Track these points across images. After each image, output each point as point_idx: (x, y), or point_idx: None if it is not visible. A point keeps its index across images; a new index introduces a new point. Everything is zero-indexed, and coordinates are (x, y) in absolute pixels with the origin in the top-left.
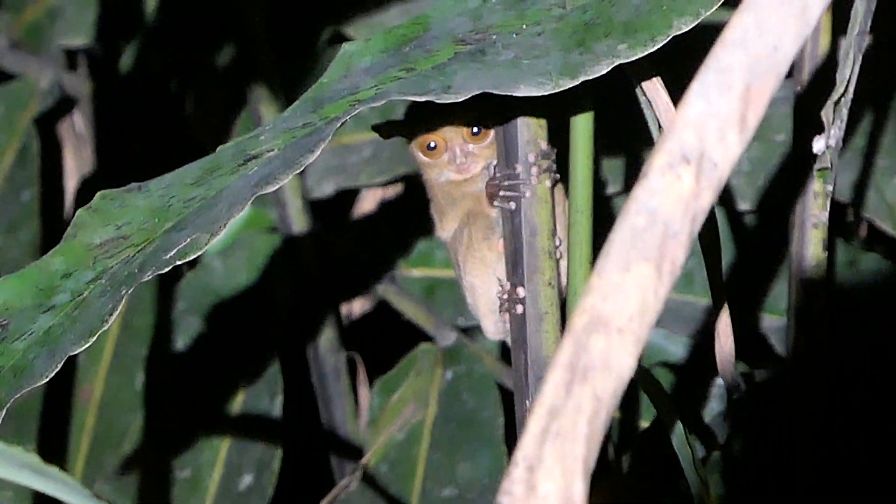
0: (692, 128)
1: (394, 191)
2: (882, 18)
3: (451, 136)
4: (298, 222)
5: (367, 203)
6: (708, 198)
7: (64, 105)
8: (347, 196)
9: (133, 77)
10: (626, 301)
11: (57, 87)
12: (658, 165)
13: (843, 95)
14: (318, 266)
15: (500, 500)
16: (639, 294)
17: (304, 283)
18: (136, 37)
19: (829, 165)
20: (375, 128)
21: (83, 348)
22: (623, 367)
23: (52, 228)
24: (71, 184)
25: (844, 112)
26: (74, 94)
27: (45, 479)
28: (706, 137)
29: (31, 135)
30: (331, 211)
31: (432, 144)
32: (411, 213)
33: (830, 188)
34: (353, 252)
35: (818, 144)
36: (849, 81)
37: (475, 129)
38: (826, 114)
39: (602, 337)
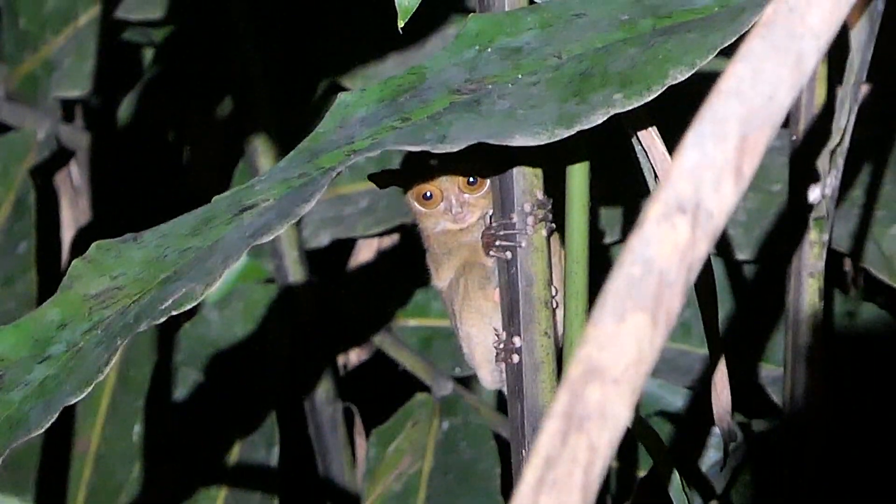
0: (688, 178)
1: (390, 241)
2: (879, 68)
3: (447, 186)
4: (295, 273)
5: (364, 253)
6: (704, 247)
7: (60, 156)
8: (344, 247)
9: (130, 128)
10: (622, 351)
11: (53, 139)
12: (654, 215)
13: (838, 145)
14: (314, 317)
15: None
16: (634, 344)
17: (300, 333)
18: (133, 88)
19: (826, 214)
20: (372, 177)
21: (79, 399)
22: (619, 416)
23: (49, 280)
24: (67, 235)
25: (840, 161)
26: (71, 146)
27: None
28: (702, 187)
29: (27, 186)
30: (327, 262)
31: (428, 194)
32: (408, 263)
33: (826, 237)
34: (350, 303)
35: (814, 193)
36: (844, 131)
37: (471, 179)
38: (822, 163)
39: (598, 387)
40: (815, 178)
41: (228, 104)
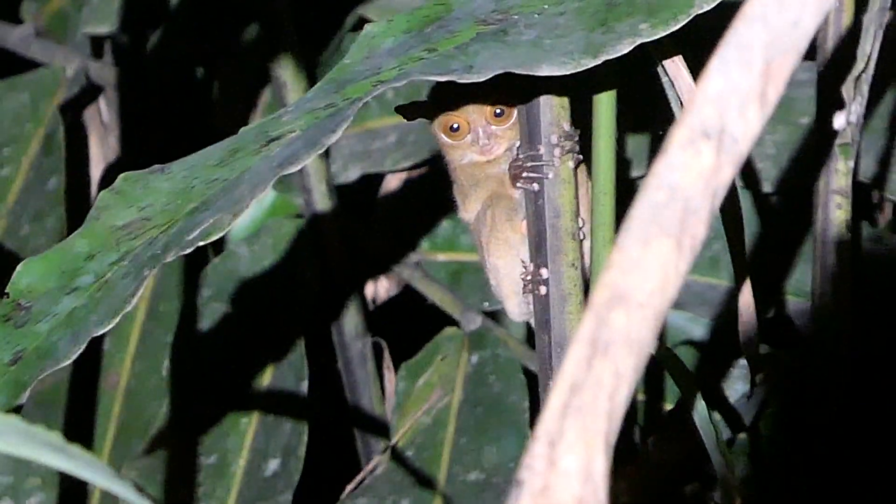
0: (712, 103)
1: (418, 173)
2: None
3: (475, 118)
4: (324, 207)
5: (393, 188)
6: (728, 173)
7: (89, 93)
8: (373, 181)
9: (158, 64)
10: (647, 276)
11: (82, 75)
12: (678, 141)
13: (863, 71)
14: (343, 251)
15: (522, 474)
16: (659, 269)
17: (329, 268)
18: (160, 24)
19: (851, 141)
20: (399, 109)
21: (107, 329)
22: (644, 342)
23: (78, 216)
24: (96, 172)
25: (865, 88)
26: (100, 82)
27: (68, 458)
28: (726, 113)
29: (56, 122)
30: (356, 196)
31: (454, 126)
32: (436, 195)
33: (852, 165)
34: (378, 235)
35: (839, 120)
36: (869, 57)
37: (498, 111)
38: (847, 90)
39: (623, 312)
40: (840, 105)
41: (255, 38)
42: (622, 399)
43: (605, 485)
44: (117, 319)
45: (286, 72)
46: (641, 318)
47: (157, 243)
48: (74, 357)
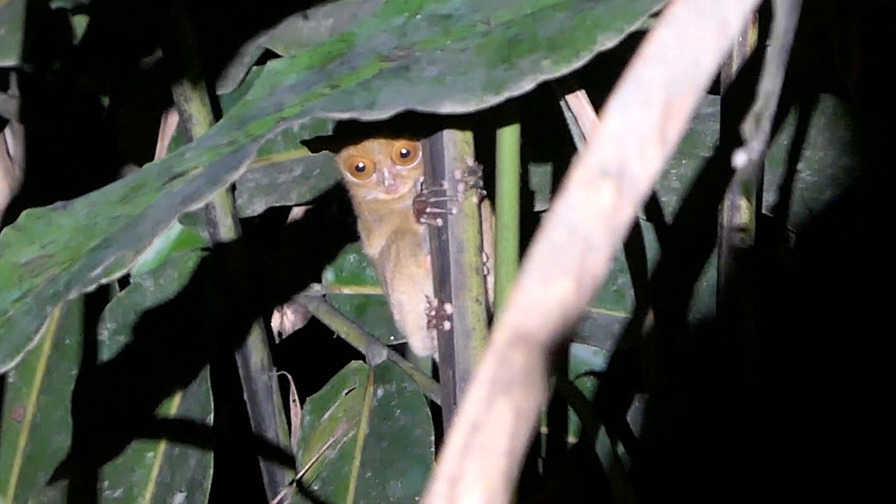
0: (612, 142)
1: (324, 208)
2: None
3: (380, 158)
4: (229, 240)
5: (298, 220)
6: (628, 212)
7: None
8: (278, 214)
9: (63, 95)
10: (547, 316)
11: None
12: (578, 180)
13: (764, 109)
14: (249, 284)
15: None
16: (559, 308)
17: (235, 300)
18: (66, 56)
19: (751, 178)
20: (305, 143)
21: (10, 367)
22: (544, 380)
23: None
24: (1, 203)
25: (767, 125)
26: (5, 115)
27: None
28: (626, 152)
29: None
30: (262, 229)
31: (361, 166)
32: (341, 229)
33: (754, 201)
34: (283, 269)
35: (740, 158)
36: (770, 95)
37: (404, 150)
38: (748, 127)
39: (523, 351)
40: (740, 142)
41: (160, 68)
42: (523, 438)
43: None
44: (21, 357)
45: (192, 104)
46: (541, 357)
47: (59, 280)
48: None
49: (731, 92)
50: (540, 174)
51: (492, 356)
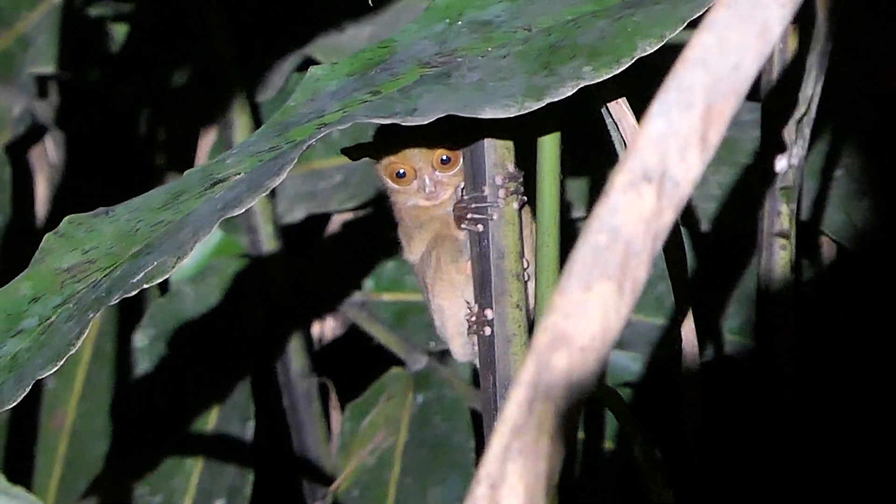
0: (653, 146)
1: (364, 215)
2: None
3: (421, 165)
4: (269, 248)
5: (338, 227)
6: (670, 216)
7: (35, 132)
8: (318, 221)
9: (104, 104)
10: (588, 320)
11: (28, 115)
12: (620, 184)
13: (805, 114)
14: (289, 291)
15: None
16: (601, 313)
17: (275, 308)
18: (106, 64)
19: (793, 184)
20: (345, 151)
21: (51, 373)
22: (585, 384)
23: (24, 256)
24: (42, 211)
25: (807, 131)
26: (45, 122)
27: (10, 500)
28: (667, 156)
29: (2, 162)
30: (302, 236)
31: (401, 172)
32: (381, 236)
33: (794, 207)
34: (323, 276)
35: (780, 163)
36: (811, 100)
37: (444, 157)
38: (789, 133)
39: (564, 355)
40: (782, 148)
41: (200, 77)
42: (563, 441)
43: None
44: (62, 363)
45: (232, 112)
46: (583, 361)
47: (100, 286)
48: (18, 400)
49: (772, 98)
50: (576, 185)
51: (532, 360)
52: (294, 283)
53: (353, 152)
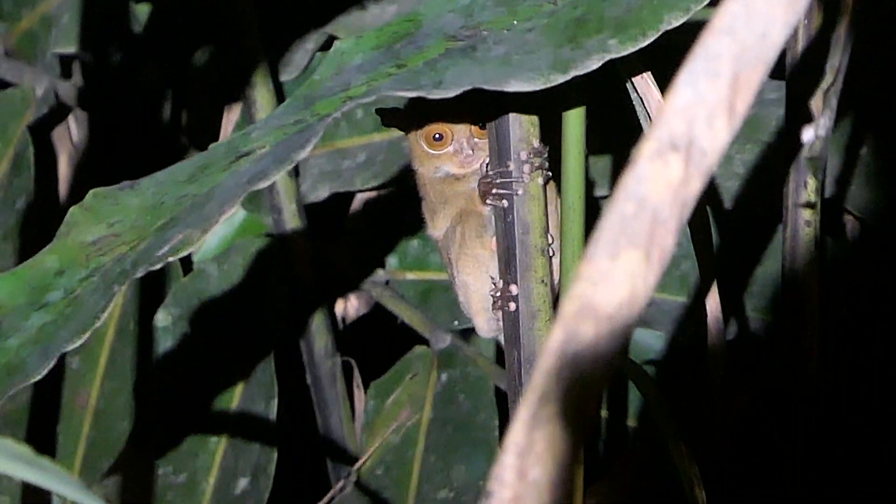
0: (681, 115)
1: (388, 193)
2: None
3: (460, 129)
4: (293, 227)
5: (361, 206)
6: (697, 185)
7: (58, 113)
8: (342, 200)
9: (126, 84)
10: (615, 288)
11: (52, 95)
12: (647, 153)
13: (832, 85)
14: (313, 270)
15: (491, 486)
16: (628, 281)
17: (299, 287)
18: (130, 43)
19: (819, 155)
20: (380, 112)
21: (76, 345)
22: (612, 353)
23: (47, 235)
24: (65, 191)
25: (834, 101)
26: (69, 102)
27: (37, 471)
28: (695, 125)
29: (26, 142)
30: (326, 215)
31: (438, 135)
32: (405, 215)
33: (821, 178)
34: (347, 255)
35: (808, 133)
36: (838, 70)
37: (482, 123)
38: (816, 103)
39: (591, 324)
40: (808, 119)
41: (223, 56)
42: (591, 410)
43: (574, 495)
44: (87, 335)
45: (255, 91)
46: (610, 330)
47: (126, 259)
48: (45, 372)
49: (798, 70)
50: (599, 164)
51: (560, 328)
52: (318, 262)
53: (387, 116)
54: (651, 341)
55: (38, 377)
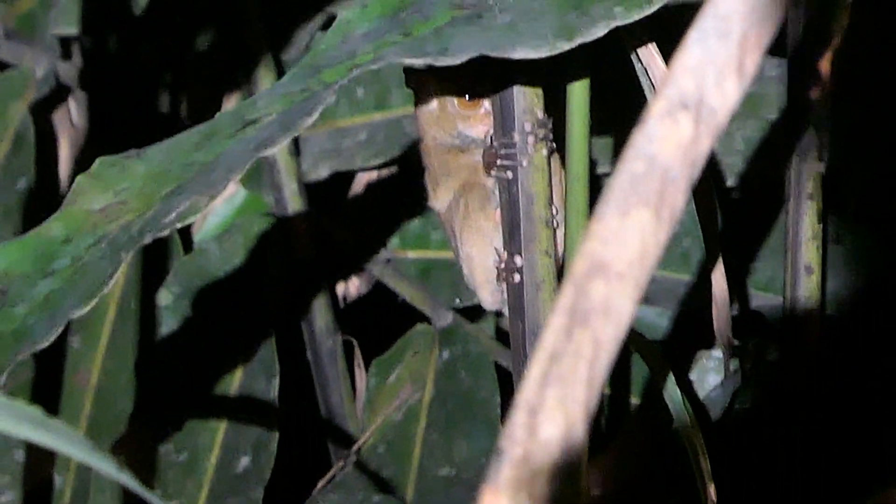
0: (690, 74)
1: (387, 173)
2: None
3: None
4: (294, 205)
5: (363, 186)
6: (706, 144)
7: (59, 94)
8: (343, 180)
9: (128, 65)
10: (626, 246)
11: (52, 76)
12: (657, 111)
13: (839, 46)
14: (314, 249)
15: (502, 444)
16: (638, 239)
17: (299, 266)
18: (129, 24)
19: (824, 116)
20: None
21: (84, 311)
22: (623, 311)
23: (48, 216)
24: (66, 172)
25: (840, 63)
26: (69, 83)
27: (48, 432)
28: (704, 84)
29: (26, 123)
30: (326, 194)
31: (473, 94)
32: (407, 194)
33: (827, 141)
34: (348, 234)
35: (814, 94)
36: (847, 29)
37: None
38: (822, 65)
39: (602, 282)
40: (815, 78)
41: (224, 37)
42: (602, 368)
43: (585, 453)
44: (95, 301)
45: (257, 71)
46: (621, 288)
47: (133, 226)
48: (52, 339)
49: (802, 34)
50: (604, 143)
51: (570, 286)
52: (319, 241)
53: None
54: (652, 318)
55: (46, 343)
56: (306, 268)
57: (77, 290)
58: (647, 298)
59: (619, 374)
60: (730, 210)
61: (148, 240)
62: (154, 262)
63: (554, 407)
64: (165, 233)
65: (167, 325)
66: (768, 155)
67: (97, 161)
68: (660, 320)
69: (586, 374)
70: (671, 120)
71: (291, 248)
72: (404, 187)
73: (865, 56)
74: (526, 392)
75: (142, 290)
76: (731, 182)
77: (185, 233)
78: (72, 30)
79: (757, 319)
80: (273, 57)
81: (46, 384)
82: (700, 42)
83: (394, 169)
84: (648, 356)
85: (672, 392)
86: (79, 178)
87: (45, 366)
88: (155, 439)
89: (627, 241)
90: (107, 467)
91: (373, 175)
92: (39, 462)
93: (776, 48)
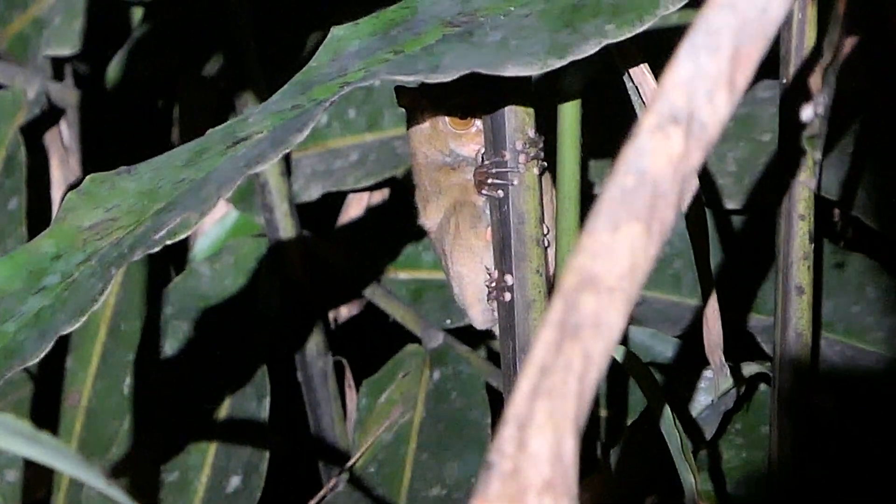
0: (681, 89)
1: (380, 196)
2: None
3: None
4: (286, 227)
5: (354, 208)
6: (697, 158)
7: (50, 115)
8: (334, 201)
9: (119, 87)
10: (616, 260)
11: (44, 97)
12: (647, 126)
13: (831, 63)
14: (305, 270)
15: (492, 457)
16: (628, 253)
17: (291, 287)
18: (122, 46)
19: (819, 133)
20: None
21: (74, 328)
22: (613, 325)
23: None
24: (57, 193)
25: (832, 79)
26: (61, 105)
27: (37, 447)
28: (695, 98)
29: (17, 144)
30: (318, 216)
31: (465, 113)
32: (398, 217)
33: (819, 157)
34: (340, 256)
35: (806, 112)
36: (838, 47)
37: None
38: (814, 81)
39: (592, 295)
40: (807, 97)
41: (218, 62)
42: (592, 382)
43: (575, 467)
44: (84, 318)
45: (249, 95)
46: (611, 302)
47: (123, 243)
48: (42, 355)
49: (794, 55)
50: (599, 164)
51: (560, 299)
52: (311, 262)
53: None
54: (644, 339)
55: (35, 360)
56: (298, 289)
57: (67, 307)
58: (639, 320)
59: (617, 395)
60: (726, 231)
61: (138, 256)
62: (146, 281)
63: (543, 420)
64: (156, 249)
65: (159, 346)
66: (760, 176)
67: (87, 178)
68: (652, 342)
69: (576, 387)
70: (662, 134)
71: (283, 269)
72: (396, 209)
73: (859, 75)
74: (515, 405)
75: (135, 311)
76: (722, 203)
77: (181, 254)
78: (65, 51)
79: (749, 340)
80: (266, 81)
81: (46, 405)
82: (691, 57)
83: (386, 191)
84: (640, 378)
85: (666, 417)
86: (69, 195)
87: (46, 383)
88: (152, 461)
89: (618, 255)
90: (96, 482)
91: (364, 197)
92: (32, 482)
93: (768, 70)
